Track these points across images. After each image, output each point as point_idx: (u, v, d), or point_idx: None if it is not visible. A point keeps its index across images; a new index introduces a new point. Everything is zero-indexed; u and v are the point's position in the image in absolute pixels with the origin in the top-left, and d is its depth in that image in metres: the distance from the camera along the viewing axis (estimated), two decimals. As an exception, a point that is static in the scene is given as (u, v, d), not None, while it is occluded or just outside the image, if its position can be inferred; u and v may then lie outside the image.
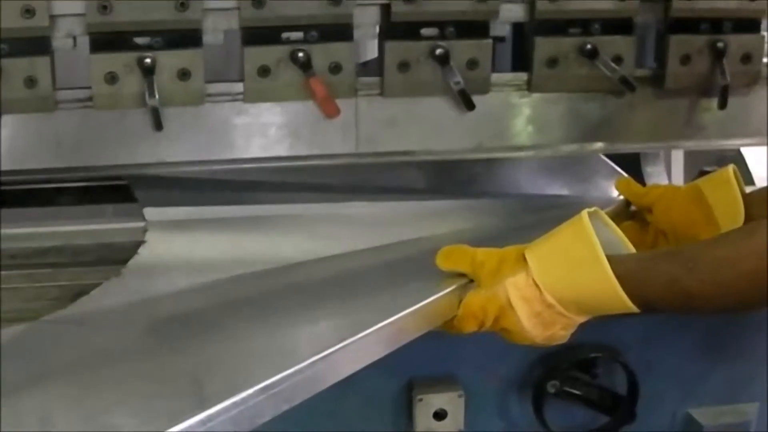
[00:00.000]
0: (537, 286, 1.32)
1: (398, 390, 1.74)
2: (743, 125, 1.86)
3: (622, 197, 1.76)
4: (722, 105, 1.78)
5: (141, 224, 1.76)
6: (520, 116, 1.80)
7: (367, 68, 1.89)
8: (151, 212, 1.79)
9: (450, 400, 1.72)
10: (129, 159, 1.71)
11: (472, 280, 1.38)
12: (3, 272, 1.61)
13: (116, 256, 1.65)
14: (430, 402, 1.72)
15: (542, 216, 1.79)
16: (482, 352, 1.68)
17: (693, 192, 1.63)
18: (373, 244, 1.71)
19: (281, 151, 1.75)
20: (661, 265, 1.29)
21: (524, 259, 1.34)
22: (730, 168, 1.61)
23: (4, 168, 1.67)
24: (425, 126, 1.77)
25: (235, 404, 1.07)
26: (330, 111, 1.70)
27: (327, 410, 1.70)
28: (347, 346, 1.22)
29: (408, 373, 1.73)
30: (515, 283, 1.33)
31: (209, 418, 1.04)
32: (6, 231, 1.73)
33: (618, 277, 1.27)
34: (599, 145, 1.85)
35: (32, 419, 1.06)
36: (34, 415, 1.07)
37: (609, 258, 1.28)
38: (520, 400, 1.79)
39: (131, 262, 1.62)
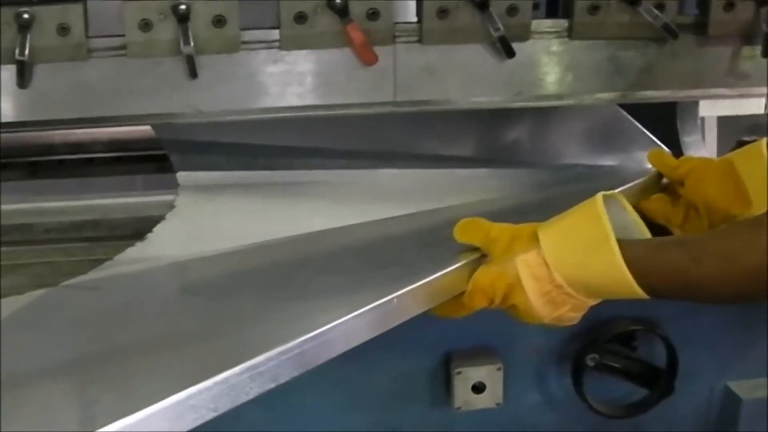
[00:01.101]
0: (547, 265, 1.31)
1: (436, 363, 1.73)
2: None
3: (654, 169, 1.73)
4: (766, 53, 1.74)
5: (176, 197, 1.75)
6: (559, 64, 1.76)
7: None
8: (183, 177, 1.79)
9: (488, 373, 1.71)
10: (163, 108, 1.68)
11: (485, 255, 1.37)
12: (38, 247, 1.61)
13: (151, 229, 1.64)
14: (468, 375, 1.71)
15: (572, 188, 1.78)
16: (521, 324, 1.65)
17: (725, 166, 1.60)
18: (400, 213, 1.70)
19: (317, 99, 1.72)
20: (669, 254, 1.28)
21: (537, 237, 1.33)
22: (764, 141, 1.58)
23: (36, 118, 1.64)
24: (463, 74, 1.74)
25: (255, 365, 1.07)
26: (368, 58, 1.67)
27: (365, 384, 1.70)
28: (360, 316, 1.21)
29: (446, 346, 1.72)
30: (526, 260, 1.32)
31: (232, 376, 1.04)
32: (40, 205, 1.72)
33: (627, 262, 1.26)
34: (640, 93, 1.81)
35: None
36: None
37: (619, 243, 1.27)
38: (559, 373, 1.78)
39: (157, 227, 1.62)
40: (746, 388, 1.82)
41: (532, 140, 1.98)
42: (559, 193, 1.78)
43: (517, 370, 1.75)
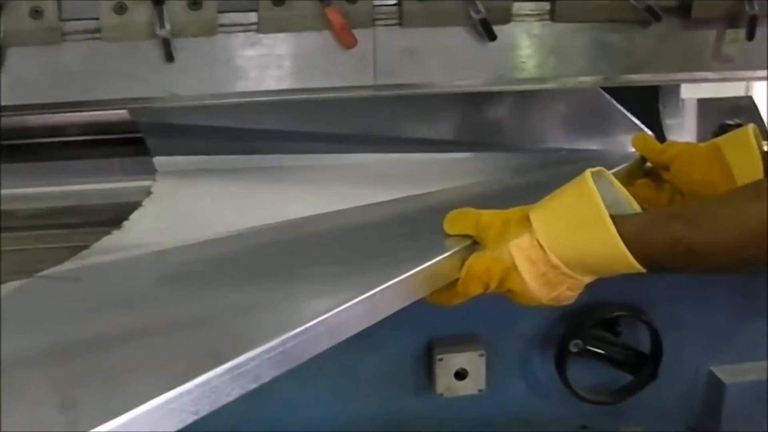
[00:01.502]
0: (541, 247, 1.30)
1: (418, 350, 1.73)
2: (771, 56, 1.80)
3: (638, 153, 1.72)
4: (750, 36, 1.72)
5: (153, 182, 1.74)
6: (542, 47, 1.74)
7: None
8: (160, 161, 1.77)
9: (471, 360, 1.71)
10: (139, 92, 1.65)
11: (477, 242, 1.37)
12: (13, 234, 1.58)
13: (129, 216, 1.62)
14: (450, 361, 1.70)
15: (556, 171, 1.77)
16: (503, 310, 1.63)
17: (712, 150, 1.59)
18: (384, 198, 1.68)
19: (296, 83, 1.69)
20: (666, 224, 1.27)
21: (528, 219, 1.32)
22: (750, 127, 1.57)
23: (8, 103, 1.61)
24: (445, 57, 1.71)
25: (236, 366, 1.05)
26: (347, 41, 1.65)
27: (346, 371, 1.69)
28: (345, 310, 1.19)
29: (428, 332, 1.72)
30: (519, 244, 1.31)
31: (213, 378, 1.02)
32: (15, 191, 1.70)
33: (622, 236, 1.25)
34: (623, 77, 1.79)
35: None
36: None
37: (613, 218, 1.26)
38: (542, 359, 1.77)
39: (135, 214, 1.60)
40: (730, 373, 1.82)
41: (514, 124, 1.96)
42: (543, 177, 1.77)
43: (500, 357, 1.75)
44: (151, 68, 1.63)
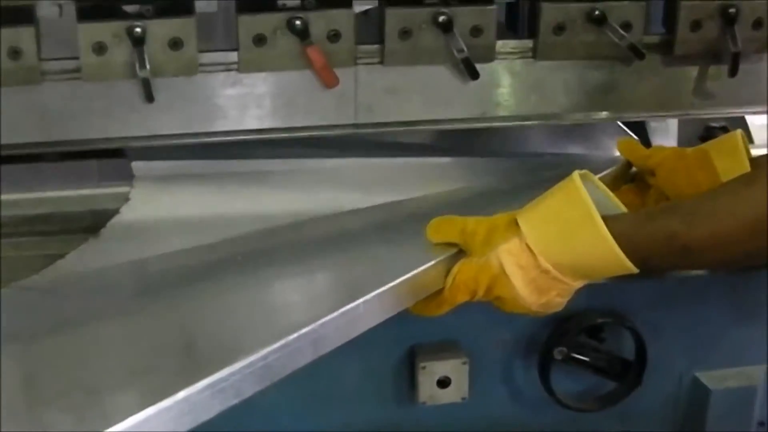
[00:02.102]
0: (531, 251, 1.28)
1: (401, 358, 1.71)
2: (753, 93, 1.79)
3: (623, 158, 1.71)
4: (733, 72, 1.72)
5: (131, 189, 1.71)
6: (525, 84, 1.74)
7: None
8: (138, 166, 1.74)
9: (454, 368, 1.69)
10: (119, 132, 1.64)
11: (461, 251, 1.35)
12: None
13: (106, 223, 1.60)
14: (433, 369, 1.69)
15: (541, 176, 1.74)
16: (487, 318, 1.64)
17: (700, 156, 1.58)
18: (365, 204, 1.67)
19: (277, 122, 1.68)
20: (659, 221, 1.25)
21: (516, 224, 1.30)
22: (738, 133, 1.57)
23: (-11, 142, 1.61)
24: (427, 95, 1.71)
25: (216, 382, 1.04)
26: (328, 80, 1.64)
27: (328, 379, 1.67)
28: (328, 322, 1.18)
29: (410, 340, 1.70)
30: (509, 249, 1.29)
31: (193, 395, 1.01)
32: None
33: (614, 236, 1.23)
34: (606, 113, 1.79)
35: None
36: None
37: (604, 218, 1.25)
38: (526, 367, 1.76)
39: (112, 222, 1.58)
40: (715, 378, 1.82)
41: (498, 130, 1.92)
42: (530, 181, 1.75)
43: (483, 364, 1.74)
44: (130, 108, 1.62)
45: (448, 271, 1.34)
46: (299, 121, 1.69)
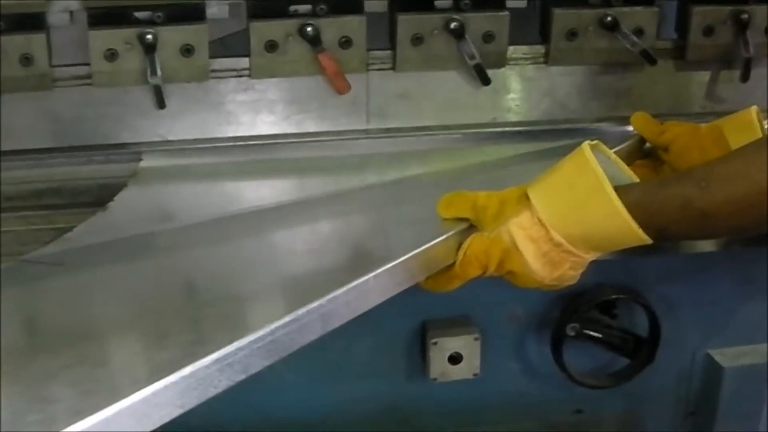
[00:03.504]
0: (543, 224, 1.26)
1: (412, 334, 1.70)
2: (765, 98, 1.77)
3: (637, 133, 1.68)
4: (745, 77, 1.72)
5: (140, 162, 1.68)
6: (536, 90, 1.74)
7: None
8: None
9: (465, 343, 1.67)
10: (130, 138, 1.64)
11: (473, 225, 1.33)
12: None
13: (114, 197, 1.57)
14: (444, 345, 1.66)
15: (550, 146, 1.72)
16: (499, 293, 1.61)
17: (714, 132, 1.55)
18: (368, 182, 1.64)
19: (288, 127, 1.68)
20: (672, 189, 1.22)
21: (527, 197, 1.28)
22: (753, 109, 1.54)
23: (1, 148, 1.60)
24: (438, 101, 1.71)
25: (224, 357, 1.02)
26: (340, 87, 1.64)
27: (338, 355, 1.66)
28: (338, 297, 1.16)
29: (421, 315, 1.68)
30: (520, 223, 1.27)
31: (200, 370, 0.99)
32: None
33: (627, 206, 1.21)
34: (617, 119, 1.77)
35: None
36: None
37: (616, 188, 1.22)
38: (538, 343, 1.74)
39: (120, 195, 1.56)
40: (728, 356, 1.80)
41: None
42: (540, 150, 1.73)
43: (495, 340, 1.72)
44: (142, 114, 1.62)
45: (459, 246, 1.31)
46: (311, 126, 1.69)
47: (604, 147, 1.29)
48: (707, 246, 1.64)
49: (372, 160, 1.71)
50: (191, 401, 0.99)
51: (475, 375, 1.69)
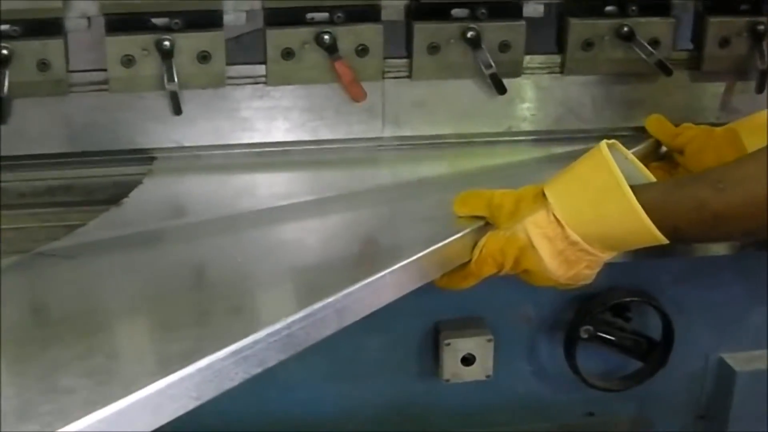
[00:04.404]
0: (559, 223, 1.26)
1: (425, 334, 1.69)
2: (780, 109, 1.79)
3: (652, 136, 1.69)
4: (760, 89, 1.72)
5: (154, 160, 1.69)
6: (552, 99, 1.74)
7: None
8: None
9: (478, 345, 1.66)
10: (146, 143, 1.64)
11: (488, 224, 1.33)
12: (10, 212, 1.56)
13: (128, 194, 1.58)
14: (457, 346, 1.66)
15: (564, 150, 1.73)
16: (512, 294, 1.63)
17: (729, 135, 1.56)
18: (380, 184, 1.64)
19: (304, 135, 1.69)
20: (688, 190, 1.23)
21: (543, 196, 1.28)
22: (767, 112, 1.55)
23: (15, 153, 1.60)
24: (453, 109, 1.71)
25: (240, 349, 1.02)
26: (356, 95, 1.64)
27: (351, 355, 1.66)
28: (354, 292, 1.16)
29: (435, 316, 1.68)
30: (536, 221, 1.28)
31: (216, 362, 0.99)
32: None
33: (643, 206, 1.21)
34: (632, 129, 1.77)
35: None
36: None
37: (633, 188, 1.22)
38: (551, 345, 1.74)
39: (134, 193, 1.56)
40: (741, 360, 1.79)
41: None
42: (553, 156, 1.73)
43: (508, 342, 1.71)
44: (158, 120, 1.62)
45: (474, 244, 1.31)
46: (326, 134, 1.69)
47: (621, 146, 1.30)
48: (721, 249, 1.65)
49: (386, 159, 1.73)
50: (207, 393, 0.99)
51: (487, 376, 1.69)
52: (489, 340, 1.66)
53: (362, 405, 1.71)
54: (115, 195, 1.60)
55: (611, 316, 1.71)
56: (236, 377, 1.02)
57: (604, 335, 1.71)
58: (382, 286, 1.21)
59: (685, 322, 1.74)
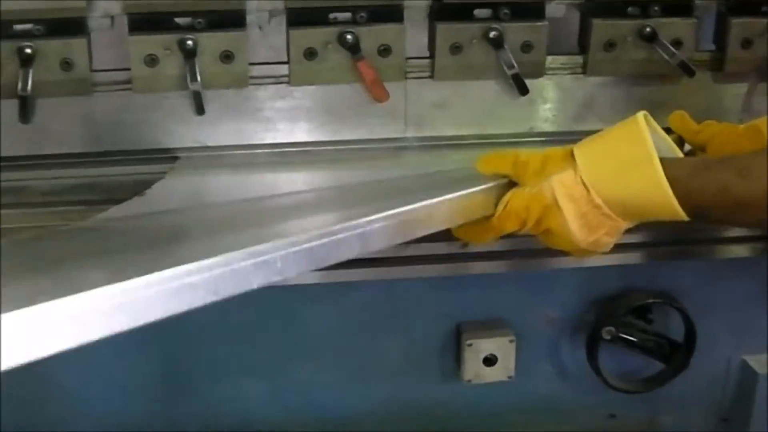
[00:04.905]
0: (585, 185, 1.26)
1: (447, 335, 1.68)
2: (803, 110, 1.79)
3: (675, 133, 1.68)
4: (783, 90, 1.72)
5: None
6: (574, 100, 1.74)
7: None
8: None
9: (500, 346, 1.66)
10: (168, 143, 1.65)
11: (512, 182, 1.32)
12: (32, 210, 1.56)
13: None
14: (479, 347, 1.65)
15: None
16: (534, 295, 1.64)
17: (751, 131, 1.53)
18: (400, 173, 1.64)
19: (326, 135, 1.69)
20: (714, 172, 1.22)
21: (572, 157, 1.28)
22: None
23: (38, 153, 1.61)
24: (476, 110, 1.71)
25: (260, 251, 1.00)
26: (379, 95, 1.64)
27: (372, 355, 1.67)
28: (377, 220, 1.15)
29: (456, 317, 1.67)
30: (562, 180, 1.27)
31: (234, 260, 0.97)
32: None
33: (669, 180, 1.21)
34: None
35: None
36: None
37: (661, 160, 1.22)
38: (573, 346, 1.73)
39: (157, 185, 1.57)
40: (764, 363, 1.78)
41: None
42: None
43: (530, 343, 1.71)
44: (180, 119, 1.63)
45: (498, 200, 1.31)
46: (348, 134, 1.69)
47: (652, 120, 1.29)
48: (744, 251, 1.63)
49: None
50: (226, 290, 0.97)
51: (509, 377, 1.68)
52: (511, 341, 1.66)
53: (384, 406, 1.71)
54: (136, 194, 1.59)
55: (633, 317, 1.70)
56: (255, 280, 1.00)
57: (626, 337, 1.70)
58: (406, 220, 1.20)
59: (708, 324, 1.73)
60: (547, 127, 1.75)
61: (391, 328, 1.62)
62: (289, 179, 1.67)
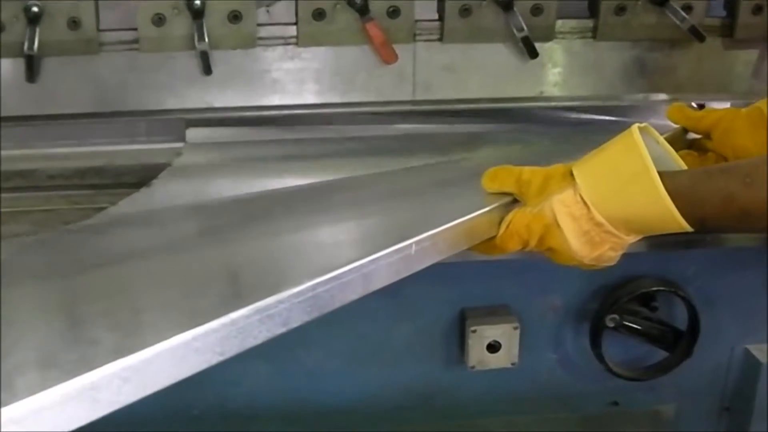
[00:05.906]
0: (585, 203, 1.25)
1: (451, 321, 1.69)
2: (814, 77, 1.78)
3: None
4: (793, 56, 1.71)
5: (182, 144, 1.70)
6: (583, 64, 1.72)
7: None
8: (192, 133, 1.74)
9: (504, 332, 1.66)
10: (175, 104, 1.64)
11: (517, 200, 1.32)
12: (41, 193, 1.56)
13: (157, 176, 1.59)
14: (483, 333, 1.65)
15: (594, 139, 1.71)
16: (538, 283, 1.63)
17: (754, 114, 1.52)
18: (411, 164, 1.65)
19: (334, 97, 1.68)
20: (717, 181, 1.21)
21: (571, 175, 1.27)
22: None
23: (45, 112, 1.60)
24: (484, 73, 1.70)
25: (265, 307, 0.99)
26: (387, 57, 1.63)
27: (376, 341, 1.67)
28: (381, 258, 1.13)
29: (461, 303, 1.67)
30: (562, 200, 1.26)
31: (240, 318, 0.96)
32: (44, 150, 1.67)
33: (670, 193, 1.19)
34: (664, 95, 1.77)
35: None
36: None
37: (661, 174, 1.20)
38: (577, 334, 1.74)
39: (163, 174, 1.57)
40: (766, 352, 1.78)
41: None
42: (581, 141, 1.69)
43: (534, 330, 1.71)
44: (188, 80, 1.62)
45: (501, 219, 1.30)
46: (356, 96, 1.68)
47: (652, 130, 1.28)
48: (749, 241, 1.64)
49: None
50: (231, 349, 0.96)
51: (513, 364, 1.68)
52: (515, 328, 1.67)
53: (388, 391, 1.71)
54: (144, 178, 1.61)
55: (637, 305, 1.71)
56: (260, 335, 1.00)
57: (630, 324, 1.70)
58: (409, 254, 1.18)
59: (711, 313, 1.73)
60: (557, 92, 1.74)
61: (396, 314, 1.62)
62: (300, 174, 1.65)
